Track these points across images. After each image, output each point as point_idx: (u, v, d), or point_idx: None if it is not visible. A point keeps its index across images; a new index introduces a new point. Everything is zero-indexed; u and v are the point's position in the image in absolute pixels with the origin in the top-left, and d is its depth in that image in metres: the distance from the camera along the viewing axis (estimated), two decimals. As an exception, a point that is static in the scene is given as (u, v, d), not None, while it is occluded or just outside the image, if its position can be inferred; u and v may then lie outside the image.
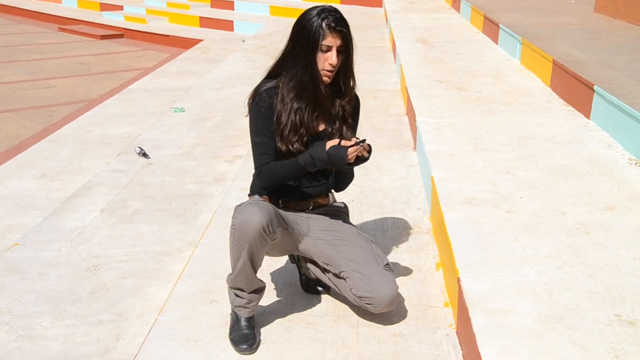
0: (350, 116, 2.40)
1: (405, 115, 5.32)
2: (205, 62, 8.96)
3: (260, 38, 10.11)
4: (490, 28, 7.59)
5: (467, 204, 2.97)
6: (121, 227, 3.47)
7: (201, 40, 11.20)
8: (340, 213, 2.54)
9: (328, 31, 2.20)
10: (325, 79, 2.27)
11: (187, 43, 11.30)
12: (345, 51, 2.24)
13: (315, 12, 2.24)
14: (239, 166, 4.36)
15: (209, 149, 4.83)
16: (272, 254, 2.43)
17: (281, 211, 2.37)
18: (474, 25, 8.68)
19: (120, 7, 15.10)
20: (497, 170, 3.41)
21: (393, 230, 3.24)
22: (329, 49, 2.21)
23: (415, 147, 4.46)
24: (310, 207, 2.48)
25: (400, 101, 5.78)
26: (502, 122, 4.29)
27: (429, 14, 9.92)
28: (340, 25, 2.20)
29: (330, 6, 2.28)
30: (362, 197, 3.68)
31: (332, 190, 2.54)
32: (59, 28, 14.02)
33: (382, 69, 7.11)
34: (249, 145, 4.74)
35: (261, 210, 2.17)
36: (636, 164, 3.49)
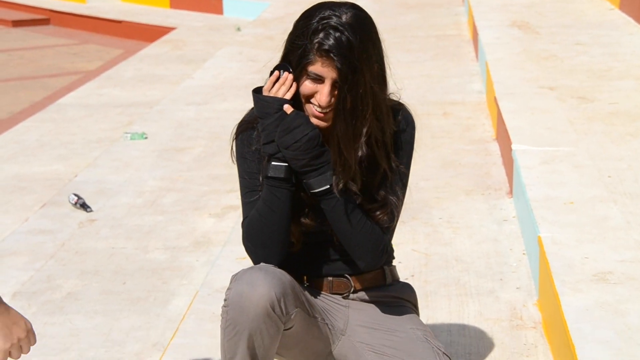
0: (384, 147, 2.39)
1: (495, 142, 5.36)
2: (179, 63, 9.13)
3: (265, 24, 10.30)
4: (634, 2, 7.62)
5: (598, 282, 2.96)
6: (46, 322, 3.50)
7: (172, 28, 11.45)
8: (402, 301, 2.55)
9: (317, 55, 2.24)
10: (315, 120, 2.29)
11: (151, 33, 11.56)
12: (346, 90, 2.24)
13: (312, 20, 2.27)
14: (233, 223, 4.41)
15: (186, 197, 4.88)
16: (290, 356, 2.43)
17: (307, 293, 2.40)
18: (604, -2, 8.73)
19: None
20: (649, 228, 3.40)
21: (478, 324, 3.23)
22: (319, 79, 2.26)
23: (511, 192, 4.48)
24: (352, 290, 2.50)
25: (486, 120, 5.82)
26: (654, 150, 4.29)
27: (531, -17, 10.03)
28: (339, 53, 2.21)
29: (341, 9, 2.28)
30: (427, 270, 3.68)
31: (392, 265, 2.56)
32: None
33: (456, 71, 7.18)
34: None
35: (268, 278, 2.20)
36: None
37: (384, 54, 2.36)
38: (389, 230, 2.39)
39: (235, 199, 4.82)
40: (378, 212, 2.34)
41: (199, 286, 3.70)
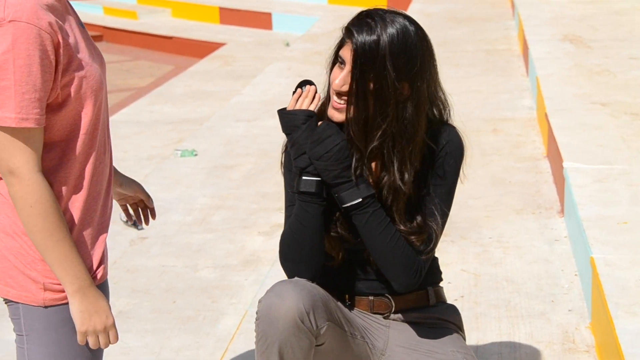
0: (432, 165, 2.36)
1: (546, 159, 5.33)
2: (228, 79, 9.20)
3: (313, 39, 10.34)
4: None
5: (645, 311, 2.94)
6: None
7: (222, 44, 11.54)
8: (445, 323, 2.54)
9: (345, 37, 2.26)
10: (330, 110, 2.30)
11: (201, 48, 11.67)
12: (358, 74, 2.22)
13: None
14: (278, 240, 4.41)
15: (235, 215, 4.91)
16: None
17: (345, 310, 2.40)
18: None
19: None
20: None
21: (529, 347, 3.21)
22: (343, 63, 2.26)
23: (562, 212, 4.45)
24: (393, 310, 2.49)
25: (536, 137, 5.79)
26: None
27: (583, -4, 9.97)
28: (358, 32, 2.22)
29: (402, 13, 2.30)
30: (477, 291, 3.66)
31: (438, 285, 2.55)
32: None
33: (507, 86, 7.15)
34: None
35: (297, 290, 2.21)
36: None
37: (433, 71, 2.32)
38: (425, 253, 2.34)
39: (280, 218, 4.84)
40: (413, 237, 2.31)
41: (248, 306, 3.72)
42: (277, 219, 4.79)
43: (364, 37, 2.20)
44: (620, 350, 2.69)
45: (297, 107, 2.32)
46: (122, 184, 2.51)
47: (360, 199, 2.26)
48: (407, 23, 2.26)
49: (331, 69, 2.32)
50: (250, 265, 4.26)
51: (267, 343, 2.21)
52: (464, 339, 2.55)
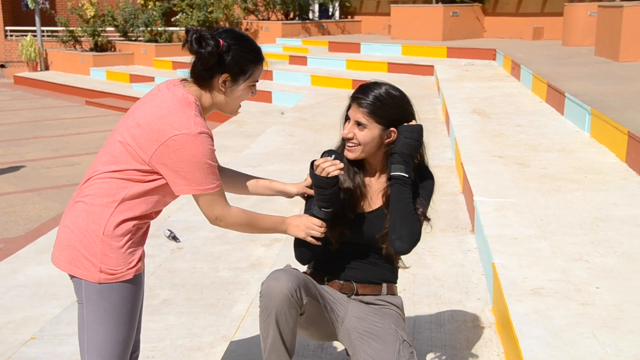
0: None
1: (461, 195, 5.33)
2: (241, 137, 9.20)
3: (301, 110, 10.37)
4: (555, 97, 7.64)
5: (534, 295, 2.93)
6: (148, 319, 3.51)
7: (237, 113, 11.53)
8: (390, 306, 2.53)
9: (351, 101, 2.38)
10: (347, 152, 2.39)
11: (222, 116, 11.63)
12: (371, 128, 2.33)
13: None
14: (278, 250, 4.40)
15: (245, 233, 4.89)
16: (308, 334, 2.46)
17: (320, 286, 2.41)
18: (536, 94, 8.74)
19: (151, 79, 15.74)
20: (568, 257, 3.37)
21: (450, 324, 3.21)
22: (348, 119, 2.39)
23: (473, 230, 4.45)
24: (355, 292, 2.49)
25: (455, 179, 5.80)
26: (571, 202, 4.26)
27: (486, 83, 10.05)
28: (363, 99, 2.32)
29: (380, 82, 2.38)
30: (414, 286, 3.66)
31: (391, 283, 2.55)
32: (86, 102, 14.66)
33: (435, 144, 7.18)
34: (288, 228, 4.82)
35: (288, 275, 2.25)
36: None
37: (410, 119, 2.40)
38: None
39: (279, 234, 4.82)
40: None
41: (253, 296, 3.71)
42: (274, 236, 4.77)
43: (370, 99, 2.33)
44: (512, 327, 2.69)
45: (325, 172, 2.31)
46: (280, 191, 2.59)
47: (407, 175, 2.33)
48: (391, 85, 2.40)
49: (343, 125, 2.42)
50: (255, 267, 4.25)
51: (267, 312, 2.22)
52: (403, 319, 2.55)
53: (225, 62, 2.20)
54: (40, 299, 3.97)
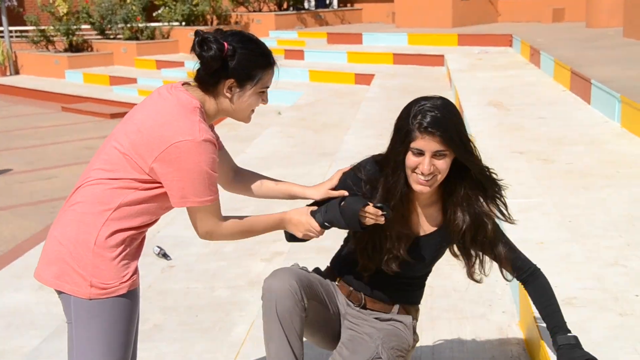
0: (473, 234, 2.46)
1: (481, 196, 5.31)
2: (234, 141, 9.17)
3: (299, 109, 10.37)
4: (580, 85, 7.63)
5: (566, 306, 2.91)
6: (138, 348, 3.48)
7: (228, 114, 11.55)
8: (388, 327, 2.50)
9: (418, 132, 2.27)
10: (418, 187, 2.32)
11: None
12: (449, 154, 2.30)
13: (412, 108, 2.31)
14: (279, 265, 4.37)
15: (242, 246, 4.88)
16: (317, 341, 2.51)
17: (327, 282, 2.51)
18: (558, 82, 8.74)
19: (134, 80, 15.77)
20: (603, 262, 3.35)
21: (473, 342, 3.19)
22: (420, 153, 2.28)
23: (495, 235, 4.42)
24: (362, 305, 2.53)
25: (473, 179, 5.78)
26: (602, 200, 4.24)
27: (502, 72, 10.05)
28: (435, 127, 2.25)
29: (433, 99, 2.33)
30: (432, 299, 3.63)
31: (409, 305, 2.57)
32: (62, 108, 14.68)
33: (449, 140, 7.16)
34: (290, 240, 4.81)
35: (289, 273, 2.31)
36: None
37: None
38: None
39: (281, 245, 4.81)
40: None
41: (254, 317, 3.69)
42: (275, 248, 4.76)
43: (443, 129, 2.27)
44: (541, 342, 2.67)
45: (367, 221, 2.31)
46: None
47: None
48: (446, 100, 2.37)
49: (403, 155, 2.32)
50: (255, 285, 4.23)
51: (271, 313, 2.27)
52: (407, 338, 2.50)
53: (230, 66, 2.23)
54: (18, 329, 3.95)
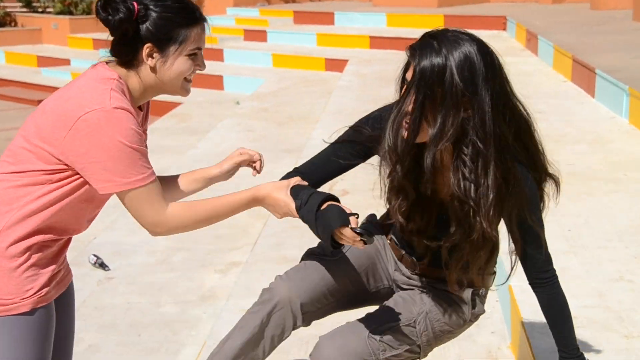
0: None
1: (469, 201, 5.36)
2: (184, 134, 9.18)
3: (261, 98, 10.38)
4: (583, 74, 7.74)
5: (564, 326, 2.96)
6: (70, 370, 3.49)
7: (179, 103, 11.51)
8: (450, 301, 2.48)
9: (407, 54, 2.17)
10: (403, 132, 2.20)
11: (160, 108, 11.60)
12: (419, 90, 2.10)
13: None
14: (236, 277, 4.40)
15: (194, 255, 4.89)
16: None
17: (367, 256, 2.51)
18: (558, 71, 8.86)
19: (66, 62, 15.66)
20: (605, 277, 3.40)
21: (459, 366, 3.22)
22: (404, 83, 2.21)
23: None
24: (416, 271, 2.49)
25: (460, 181, 5.83)
26: (607, 207, 4.31)
27: (495, 59, 10.14)
28: (416, 50, 2.12)
29: (471, 36, 2.20)
30: (412, 318, 3.67)
31: (468, 288, 2.48)
32: (-20, 92, 14.53)
33: (433, 137, 7.22)
34: (249, 248, 4.82)
35: (296, 279, 2.42)
36: None
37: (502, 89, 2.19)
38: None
39: (238, 254, 4.82)
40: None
41: (206, 337, 3.69)
42: (231, 258, 4.78)
43: (422, 56, 2.10)
44: (537, 367, 2.72)
45: (345, 241, 2.11)
46: (227, 172, 2.58)
47: None
48: (473, 41, 2.15)
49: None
50: (208, 300, 4.24)
51: (259, 307, 2.41)
52: (470, 312, 2.53)
53: (144, 29, 2.15)
54: None
